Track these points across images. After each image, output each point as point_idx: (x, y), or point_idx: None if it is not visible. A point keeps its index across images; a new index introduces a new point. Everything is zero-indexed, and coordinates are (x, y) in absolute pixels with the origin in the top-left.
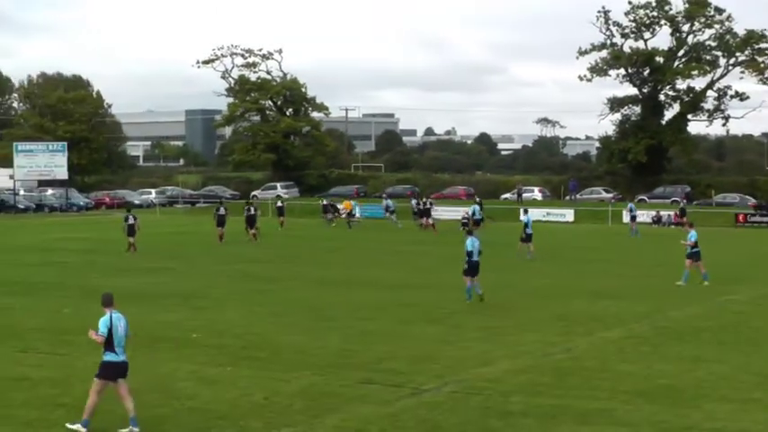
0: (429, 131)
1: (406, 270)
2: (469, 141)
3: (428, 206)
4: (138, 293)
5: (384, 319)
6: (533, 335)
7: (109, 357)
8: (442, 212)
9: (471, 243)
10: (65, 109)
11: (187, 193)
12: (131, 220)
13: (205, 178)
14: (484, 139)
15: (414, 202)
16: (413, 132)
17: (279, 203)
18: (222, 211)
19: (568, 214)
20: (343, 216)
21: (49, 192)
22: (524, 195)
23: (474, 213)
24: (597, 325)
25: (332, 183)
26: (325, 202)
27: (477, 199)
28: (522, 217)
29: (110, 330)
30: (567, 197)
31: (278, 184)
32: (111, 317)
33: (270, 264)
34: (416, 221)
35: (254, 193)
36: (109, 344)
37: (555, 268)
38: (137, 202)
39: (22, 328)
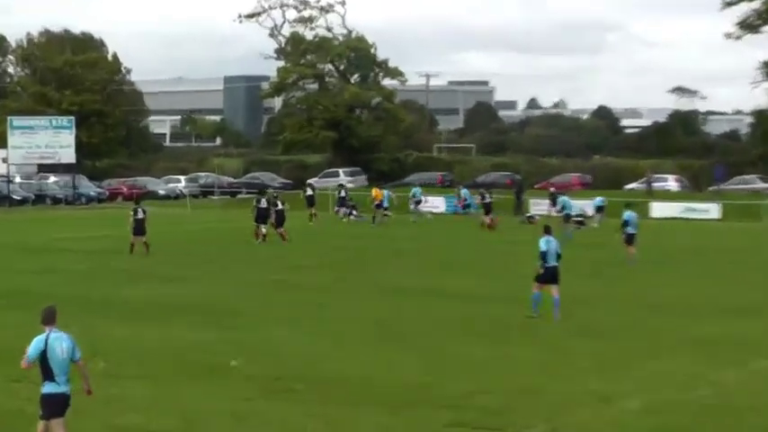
0: (532, 104)
1: (496, 277)
2: (584, 116)
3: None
4: (159, 307)
5: (470, 340)
6: (664, 363)
7: (48, 389)
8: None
9: (546, 243)
10: (72, 75)
11: (225, 180)
12: (141, 214)
13: (248, 162)
14: (603, 113)
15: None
16: (512, 105)
17: (308, 191)
18: (263, 203)
19: (713, 209)
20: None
21: (52, 179)
22: (655, 185)
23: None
24: (748, 351)
25: (408, 169)
26: (342, 194)
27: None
28: (625, 214)
29: (44, 354)
30: (711, 187)
31: (340, 171)
32: (47, 337)
33: (319, 270)
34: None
35: (310, 180)
36: (46, 372)
37: (691, 278)
38: (162, 192)
39: (18, 351)
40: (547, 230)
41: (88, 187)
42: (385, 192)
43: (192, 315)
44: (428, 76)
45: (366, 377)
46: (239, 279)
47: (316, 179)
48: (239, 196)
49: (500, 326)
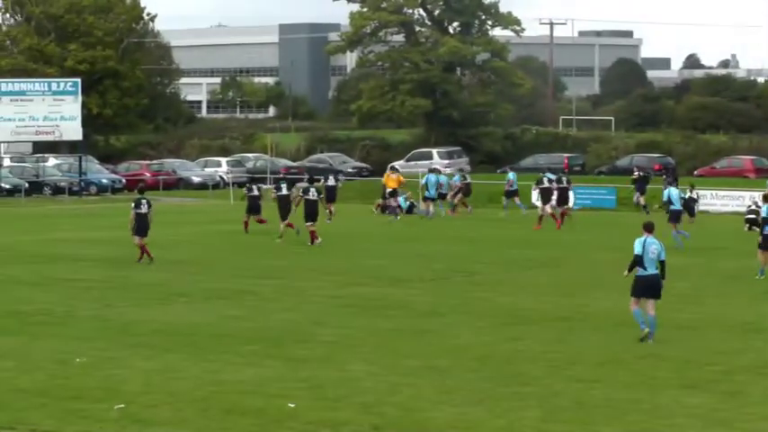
0: (692, 62)
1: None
2: (762, 79)
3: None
4: (198, 333)
5: (612, 380)
6: None
7: None
8: (714, 201)
9: (640, 244)
10: (79, 23)
11: (282, 164)
12: (144, 208)
13: (312, 140)
14: None
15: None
16: (665, 63)
17: (331, 181)
18: (313, 194)
19: None
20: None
21: (52, 162)
22: None
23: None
24: None
25: (525, 149)
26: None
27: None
28: (764, 209)
29: None
30: None
31: (434, 151)
32: None
33: (414, 284)
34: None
35: (393, 164)
36: None
37: None
38: (196, 179)
39: (8, 388)
40: (648, 229)
41: (99, 173)
42: (431, 177)
43: (242, 344)
44: (552, 25)
45: (475, 428)
46: (304, 297)
47: (402, 161)
48: (300, 185)
49: (653, 362)
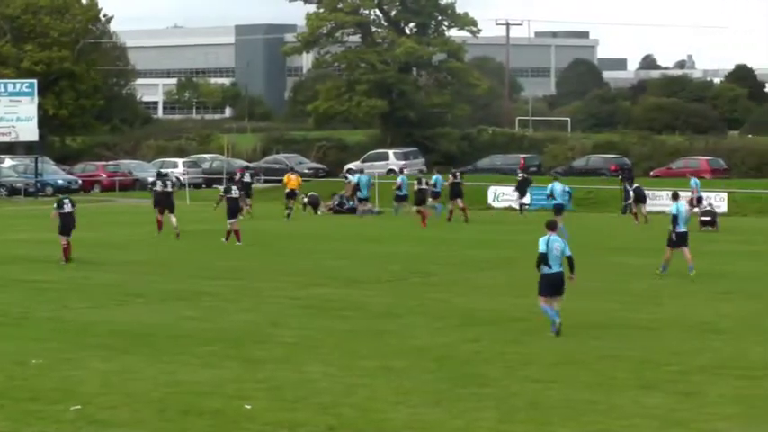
0: (649, 63)
1: (609, 297)
2: (718, 80)
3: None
4: (156, 334)
5: (569, 380)
6: None
7: None
8: (669, 202)
9: (544, 243)
10: (35, 24)
11: (238, 165)
12: (68, 207)
13: (268, 141)
14: (743, 74)
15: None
16: (621, 64)
17: (246, 177)
18: (234, 192)
19: None
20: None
21: (8, 163)
22: None
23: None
24: None
25: (481, 149)
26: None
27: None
28: (672, 207)
29: None
30: None
31: (390, 152)
32: None
33: (371, 285)
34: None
35: (349, 165)
36: None
37: None
38: (152, 180)
39: None
40: (551, 227)
41: (55, 174)
42: (359, 178)
43: (199, 345)
44: (508, 26)
45: (432, 429)
46: (267, 297)
47: (358, 162)
48: (256, 185)
49: (610, 362)
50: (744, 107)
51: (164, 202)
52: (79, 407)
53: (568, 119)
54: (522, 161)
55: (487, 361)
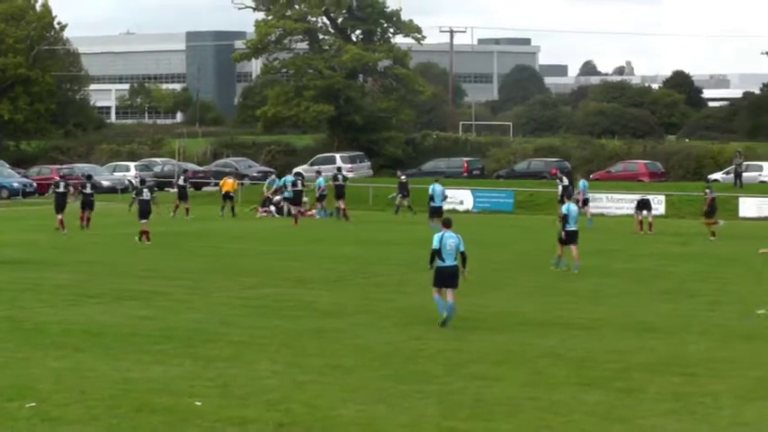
0: (588, 68)
1: (552, 298)
2: (655, 85)
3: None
4: (108, 333)
5: (511, 378)
6: (757, 406)
7: None
8: (608, 204)
9: (438, 239)
10: None
11: (189, 168)
12: (146, 195)
13: (219, 145)
14: (679, 81)
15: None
16: (562, 70)
17: (181, 180)
18: (146, 195)
19: None
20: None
21: None
22: (746, 175)
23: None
24: None
25: (426, 153)
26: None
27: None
28: (563, 207)
29: None
30: None
31: (337, 156)
32: None
33: (319, 285)
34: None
35: (297, 169)
36: None
37: None
38: (105, 183)
39: None
40: (446, 224)
41: (11, 177)
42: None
43: (151, 344)
44: (452, 33)
45: (378, 425)
46: (217, 297)
47: (305, 166)
48: (207, 189)
49: (551, 361)
50: (681, 112)
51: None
52: (34, 404)
53: (510, 123)
54: (466, 164)
55: (430, 359)
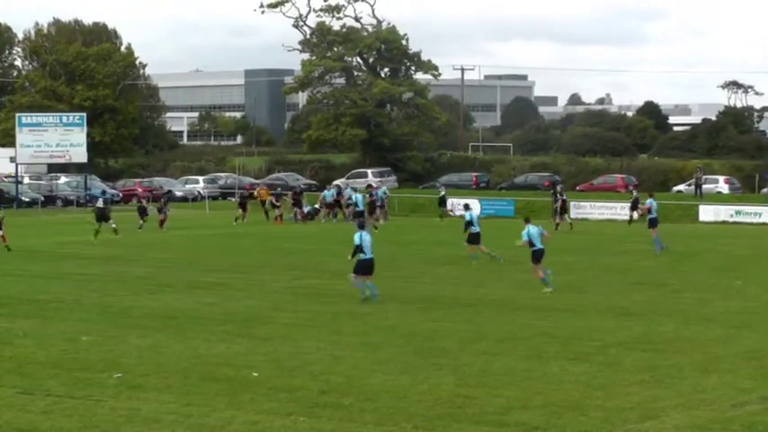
0: (575, 99)
1: (542, 287)
2: (630, 113)
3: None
4: (180, 317)
5: (513, 353)
6: (717, 378)
7: None
8: (592, 210)
9: (359, 237)
10: (84, 68)
11: (247, 181)
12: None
13: (271, 162)
14: (649, 109)
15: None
16: (552, 101)
17: (100, 203)
18: (100, 203)
19: (766, 213)
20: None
21: (63, 179)
22: (705, 187)
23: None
24: None
25: (442, 169)
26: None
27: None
28: (465, 213)
29: None
30: (765, 189)
31: (369, 171)
32: None
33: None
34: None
35: (336, 182)
36: None
37: (748, 287)
38: (179, 193)
39: (28, 361)
40: (361, 226)
41: (101, 188)
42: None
43: (216, 325)
44: (463, 70)
45: (401, 391)
46: (270, 287)
47: (343, 179)
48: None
49: (544, 339)
50: (651, 135)
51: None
52: (120, 375)
53: (510, 144)
54: (474, 178)
55: (445, 337)
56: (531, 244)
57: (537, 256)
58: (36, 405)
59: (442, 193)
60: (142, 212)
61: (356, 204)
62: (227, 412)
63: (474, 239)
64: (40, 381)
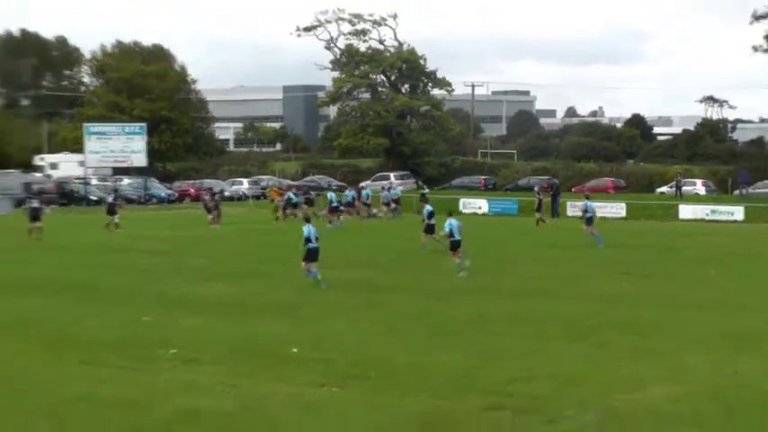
0: (571, 112)
1: (545, 277)
2: (619, 124)
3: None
4: (230, 302)
5: (517, 334)
6: (695, 355)
7: None
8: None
9: (308, 230)
10: (143, 84)
11: (285, 183)
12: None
13: (306, 166)
14: (636, 121)
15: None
16: (552, 113)
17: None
18: (34, 203)
19: (737, 212)
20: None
21: (126, 181)
22: (685, 189)
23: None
24: None
25: (455, 173)
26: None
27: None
28: (446, 223)
29: None
30: (737, 191)
31: (391, 174)
32: None
33: (382, 270)
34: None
35: (363, 183)
36: None
37: (719, 277)
38: (227, 193)
39: (93, 340)
40: (308, 219)
41: (159, 189)
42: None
43: (262, 309)
44: (473, 86)
45: (418, 366)
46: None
47: (368, 181)
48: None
49: (545, 322)
50: (637, 144)
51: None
52: (175, 351)
53: (515, 151)
54: (483, 181)
55: (459, 319)
56: (451, 235)
57: (454, 245)
58: (100, 376)
59: (540, 196)
60: (209, 209)
61: (331, 201)
62: (271, 384)
63: (455, 246)
64: (104, 355)
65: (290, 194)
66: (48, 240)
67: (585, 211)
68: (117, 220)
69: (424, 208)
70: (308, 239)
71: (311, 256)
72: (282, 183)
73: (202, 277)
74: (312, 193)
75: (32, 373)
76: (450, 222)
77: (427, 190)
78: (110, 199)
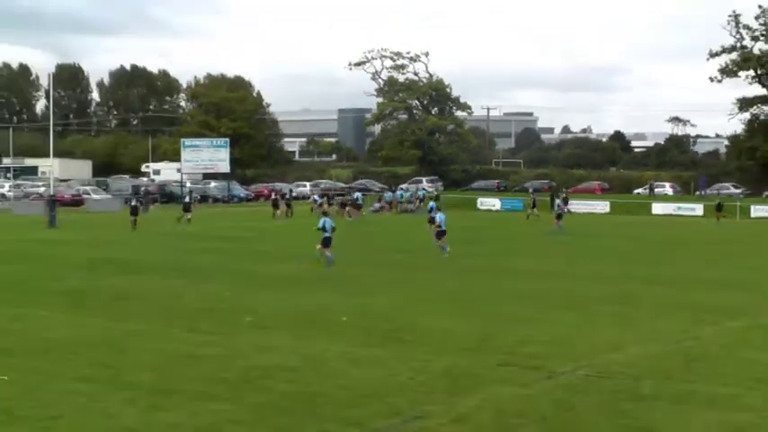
0: (566, 129)
1: (547, 260)
2: (604, 139)
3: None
4: (293, 279)
5: (524, 305)
6: (663, 322)
7: None
8: (578, 206)
9: (323, 222)
10: (228, 107)
11: (339, 185)
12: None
13: (356, 172)
14: (618, 136)
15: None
16: (550, 130)
17: (187, 198)
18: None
19: (698, 209)
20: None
21: (213, 184)
22: (656, 190)
23: (358, 198)
24: (723, 315)
25: (474, 177)
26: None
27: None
28: (436, 215)
29: None
30: (697, 192)
31: (423, 179)
32: None
33: (412, 254)
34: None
35: (401, 186)
36: None
37: (684, 259)
38: (294, 194)
39: (190, 309)
40: (325, 213)
41: (239, 190)
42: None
43: (314, 283)
44: (488, 109)
45: (444, 330)
46: (355, 259)
47: (405, 184)
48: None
49: (546, 296)
50: (618, 155)
51: (187, 207)
52: (251, 318)
53: (521, 160)
54: (497, 184)
55: (475, 293)
56: (438, 226)
57: (439, 234)
58: (195, 339)
59: (532, 195)
60: (275, 205)
61: (357, 199)
62: (325, 344)
63: (440, 235)
64: (197, 322)
65: (358, 195)
66: (146, 229)
67: (559, 207)
68: (189, 217)
69: (428, 205)
70: (323, 229)
71: (326, 242)
72: (336, 185)
73: (276, 259)
74: (341, 197)
75: (147, 336)
76: (440, 215)
77: (437, 192)
78: (186, 198)
